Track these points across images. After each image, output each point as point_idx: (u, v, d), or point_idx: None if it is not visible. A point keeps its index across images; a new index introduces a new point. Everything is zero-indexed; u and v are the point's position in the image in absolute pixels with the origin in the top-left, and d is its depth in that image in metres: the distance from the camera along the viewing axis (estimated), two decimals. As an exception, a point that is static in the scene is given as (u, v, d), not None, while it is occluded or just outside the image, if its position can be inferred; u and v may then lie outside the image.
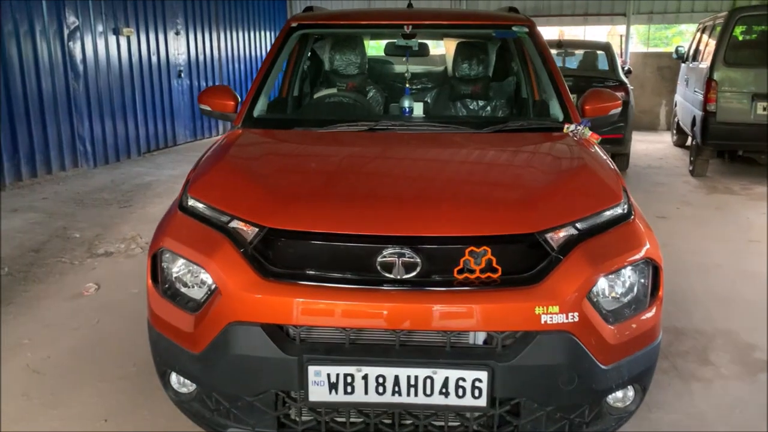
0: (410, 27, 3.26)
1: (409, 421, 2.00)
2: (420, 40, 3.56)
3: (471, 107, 3.75)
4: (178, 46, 10.06)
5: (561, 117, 2.92)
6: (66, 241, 5.07)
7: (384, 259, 1.89)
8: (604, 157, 2.51)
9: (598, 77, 8.09)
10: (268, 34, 13.30)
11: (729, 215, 6.15)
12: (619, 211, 2.11)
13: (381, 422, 2.00)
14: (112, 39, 8.49)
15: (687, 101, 8.75)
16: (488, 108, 3.73)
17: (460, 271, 1.90)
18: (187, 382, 2.15)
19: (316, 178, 2.29)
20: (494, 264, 1.90)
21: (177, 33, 10.01)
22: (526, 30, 3.28)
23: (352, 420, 2.01)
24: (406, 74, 3.65)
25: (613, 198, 2.13)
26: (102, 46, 8.32)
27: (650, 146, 10.46)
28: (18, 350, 3.23)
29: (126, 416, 2.70)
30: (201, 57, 10.79)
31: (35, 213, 5.94)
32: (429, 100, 3.97)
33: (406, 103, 3.20)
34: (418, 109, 3.28)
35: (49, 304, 3.84)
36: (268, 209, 2.02)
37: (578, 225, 2.00)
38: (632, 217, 2.14)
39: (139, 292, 4.02)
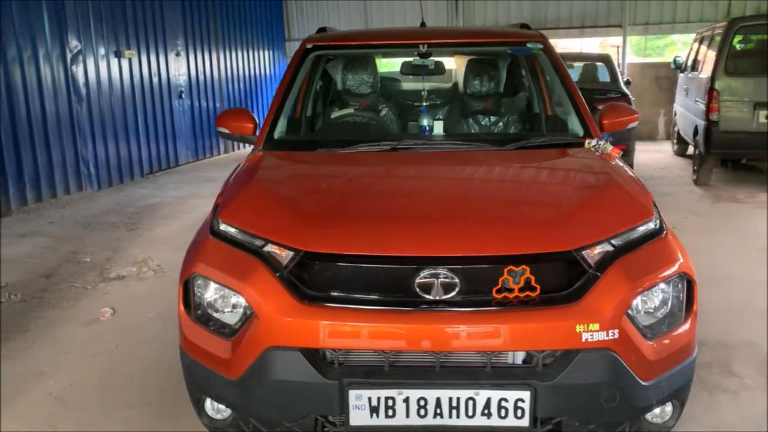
0: (426, 46, 3.28)
1: (449, 444, 1.99)
2: (435, 59, 3.58)
3: (483, 123, 3.76)
4: (178, 67, 10.10)
5: (581, 132, 2.93)
6: (77, 266, 5.05)
7: (422, 280, 1.89)
8: (630, 173, 2.52)
9: (600, 89, 8.14)
10: (267, 53, 13.38)
11: (737, 224, 6.17)
12: (651, 226, 2.12)
13: (421, 445, 1.99)
14: (114, 61, 8.52)
15: (688, 111, 8.80)
16: (500, 124, 3.74)
17: (499, 291, 1.90)
18: (222, 407, 2.13)
19: (349, 200, 2.30)
20: (533, 283, 1.90)
21: (177, 54, 10.05)
22: (541, 46, 3.30)
23: (391, 444, 1.99)
24: (423, 93, 3.67)
25: (645, 214, 2.14)
26: (104, 69, 8.34)
27: (651, 156, 10.50)
28: (39, 378, 3.21)
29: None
30: (201, 77, 10.83)
31: (43, 237, 5.92)
32: (441, 117, 3.98)
33: (425, 122, 3.21)
34: (438, 128, 3.30)
35: (65, 330, 3.81)
36: (304, 233, 2.01)
37: (613, 242, 2.00)
38: (665, 232, 2.15)
39: (155, 316, 4.01)
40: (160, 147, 9.63)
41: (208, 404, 2.16)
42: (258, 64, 13.01)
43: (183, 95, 10.20)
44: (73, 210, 7.15)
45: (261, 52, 13.14)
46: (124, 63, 8.74)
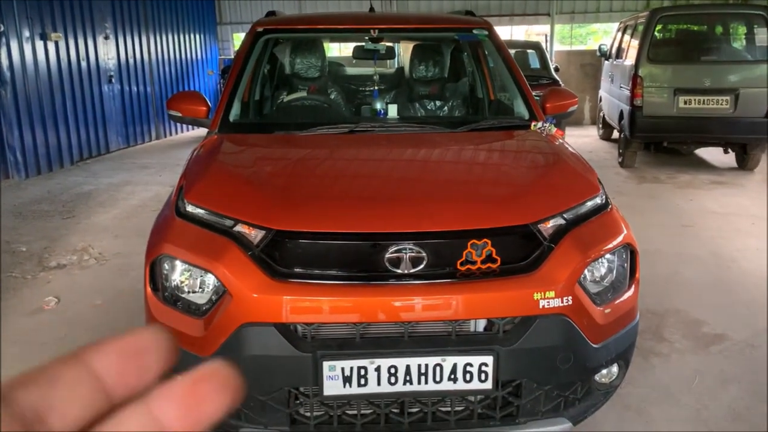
0: (377, 31, 3.36)
1: (416, 409, 2.10)
2: (386, 44, 3.66)
3: (429, 107, 3.87)
4: (107, 51, 9.77)
5: (527, 115, 3.08)
6: (13, 256, 4.88)
7: (391, 254, 1.98)
8: (576, 152, 2.69)
9: (532, 75, 8.41)
10: (198, 36, 13.08)
11: (660, 203, 6.56)
12: (598, 201, 2.28)
13: (391, 411, 2.09)
14: (39, 44, 8.16)
15: (613, 97, 9.22)
16: (446, 108, 3.86)
17: (463, 263, 2.01)
18: (193, 386, 2.16)
19: (317, 181, 2.36)
20: (494, 255, 2.02)
21: (106, 37, 9.72)
22: (486, 33, 3.43)
23: (362, 412, 2.08)
24: (375, 77, 3.74)
25: (593, 189, 2.30)
26: (29, 52, 7.99)
27: (578, 140, 10.92)
28: (-13, 369, 3.13)
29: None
30: (132, 61, 10.51)
31: (-28, 228, 5.68)
32: (388, 101, 4.07)
33: (379, 105, 3.30)
34: (393, 111, 3.38)
35: (9, 321, 3.70)
36: (276, 212, 2.07)
37: (565, 215, 2.15)
38: (610, 206, 2.32)
39: (103, 303, 3.95)
40: (90, 133, 9.30)
41: (178, 383, 2.19)
42: (190, 48, 12.71)
43: (113, 79, 9.88)
44: (1, 199, 6.86)
45: (192, 36, 12.83)
46: (51, 46, 8.39)
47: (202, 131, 3.13)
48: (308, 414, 2.09)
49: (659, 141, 8.45)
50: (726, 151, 8.36)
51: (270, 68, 4.08)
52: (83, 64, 9.10)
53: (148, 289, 2.17)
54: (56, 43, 8.48)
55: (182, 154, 2.68)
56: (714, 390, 2.95)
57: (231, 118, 3.03)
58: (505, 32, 14.72)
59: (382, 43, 3.57)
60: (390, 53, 3.85)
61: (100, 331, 3.56)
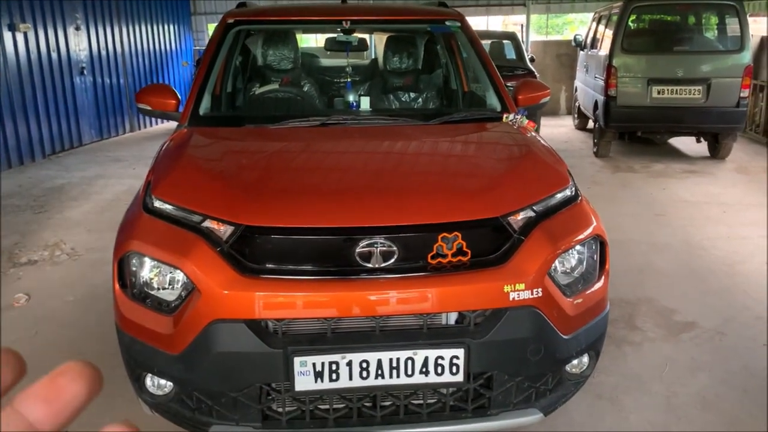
0: (349, 23, 3.33)
1: (389, 402, 2.10)
2: (359, 35, 3.63)
3: (403, 99, 3.86)
4: (79, 42, 9.59)
5: (499, 107, 3.09)
6: (-19, 252, 4.79)
7: (362, 249, 1.97)
8: (546, 144, 2.70)
9: (507, 66, 8.43)
10: (171, 27, 12.89)
11: (634, 192, 6.62)
12: (568, 193, 2.30)
13: (363, 405, 2.09)
14: (7, 35, 7.98)
15: (588, 87, 9.28)
16: (420, 100, 3.85)
17: (434, 257, 2.02)
18: (163, 383, 2.14)
19: (286, 175, 2.34)
20: (464, 248, 2.02)
21: (77, 28, 9.54)
22: (459, 24, 3.43)
23: (335, 406, 2.08)
24: (347, 69, 3.72)
25: (562, 182, 2.31)
26: (-3, 43, 7.82)
27: (554, 130, 10.99)
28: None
29: (86, 426, 2.64)
30: (104, 53, 10.33)
31: (-60, 224, 5.56)
32: (362, 93, 4.05)
33: (351, 97, 3.28)
34: (365, 103, 3.37)
35: (-22, 319, 3.65)
36: (244, 208, 2.05)
37: (535, 208, 2.16)
38: (579, 198, 2.33)
39: (74, 300, 3.90)
40: (62, 126, 9.14)
41: (149, 381, 2.16)
42: (163, 39, 12.53)
43: (85, 71, 9.72)
44: (-31, 194, 6.73)
45: (166, 27, 12.65)
46: (19, 37, 8.21)
47: (176, 124, 3.09)
48: (280, 410, 2.09)
49: (633, 131, 8.54)
50: (698, 141, 8.47)
51: (242, 60, 4.03)
52: (53, 55, 8.93)
53: (117, 286, 2.14)
54: (25, 34, 8.31)
55: (156, 146, 2.65)
56: (684, 378, 3.00)
57: (201, 111, 2.99)
58: (481, 22, 14.73)
59: (355, 34, 3.55)
60: (363, 45, 3.83)
61: (72, 327, 3.52)
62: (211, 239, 2.01)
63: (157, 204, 2.17)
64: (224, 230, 2.03)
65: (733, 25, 7.83)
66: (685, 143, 8.98)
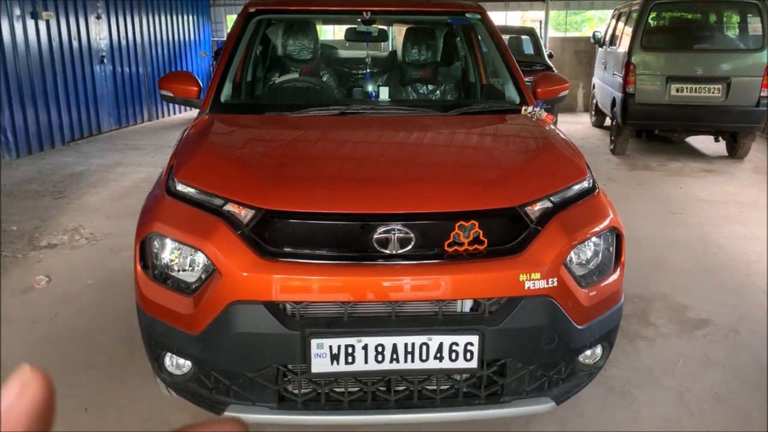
0: (369, 13, 3.36)
1: (402, 387, 2.13)
2: (379, 26, 3.66)
3: (421, 91, 3.88)
4: (99, 31, 9.69)
5: (518, 99, 3.10)
6: (3, 235, 4.87)
7: (380, 235, 2.00)
8: (564, 137, 2.71)
9: (526, 61, 8.41)
10: (191, 17, 12.98)
11: (650, 189, 6.60)
12: (585, 185, 2.31)
13: (377, 389, 2.12)
14: (30, 23, 8.08)
15: (606, 84, 9.23)
16: (438, 92, 3.87)
17: (450, 245, 2.04)
18: (182, 363, 2.18)
19: (307, 161, 2.37)
20: (481, 237, 2.05)
21: (98, 17, 9.64)
22: (479, 17, 3.44)
23: (350, 390, 2.12)
24: (367, 59, 3.74)
25: (580, 173, 2.33)
26: (20, 31, 7.91)
27: (571, 127, 10.95)
28: (-22, 346, 3.14)
29: (105, 404, 2.70)
30: (123, 42, 10.43)
31: (-38, 207, 5.66)
32: (381, 84, 4.08)
33: (371, 88, 3.30)
34: (384, 94, 3.39)
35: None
36: (266, 192, 2.08)
37: (552, 198, 2.18)
38: (597, 190, 2.34)
39: (93, 284, 3.97)
40: (81, 113, 9.25)
41: (168, 360, 2.20)
42: (182, 29, 12.62)
43: (105, 60, 9.82)
44: (-9, 178, 6.84)
45: (185, 17, 12.73)
46: (42, 25, 8.31)
47: (195, 113, 3.14)
48: (296, 391, 2.12)
49: (651, 128, 8.49)
50: (717, 140, 8.41)
51: (262, 49, 4.07)
52: (75, 43, 9.03)
53: (139, 267, 2.18)
54: (47, 22, 8.41)
55: (174, 135, 2.68)
56: (697, 373, 3.00)
57: (222, 99, 3.03)
58: (500, 18, 14.69)
59: (375, 25, 3.57)
60: (382, 36, 3.85)
61: (91, 309, 3.58)
62: (232, 222, 2.05)
63: (180, 187, 2.21)
64: (245, 214, 2.06)
65: (754, 24, 7.76)
66: (702, 142, 8.92)
